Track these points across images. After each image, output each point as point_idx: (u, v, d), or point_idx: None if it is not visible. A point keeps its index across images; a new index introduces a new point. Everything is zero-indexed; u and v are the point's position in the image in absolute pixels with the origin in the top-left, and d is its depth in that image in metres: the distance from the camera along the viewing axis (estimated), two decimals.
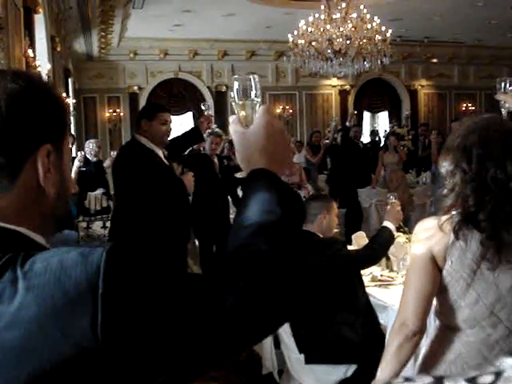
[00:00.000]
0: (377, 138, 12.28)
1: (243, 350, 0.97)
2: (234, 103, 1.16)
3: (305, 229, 3.75)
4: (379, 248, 3.66)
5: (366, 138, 13.07)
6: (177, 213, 4.12)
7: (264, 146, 1.11)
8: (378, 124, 15.90)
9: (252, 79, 1.16)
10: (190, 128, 4.69)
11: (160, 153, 4.15)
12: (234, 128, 1.15)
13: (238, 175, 6.85)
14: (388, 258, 4.33)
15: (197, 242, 7.08)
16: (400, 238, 4.50)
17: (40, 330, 0.81)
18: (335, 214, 3.78)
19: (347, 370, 3.52)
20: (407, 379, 0.60)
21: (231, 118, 1.16)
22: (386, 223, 3.73)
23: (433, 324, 1.99)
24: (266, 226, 1.00)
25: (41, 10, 5.76)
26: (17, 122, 0.96)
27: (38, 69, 5.49)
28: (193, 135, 4.63)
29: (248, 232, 1.00)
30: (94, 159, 7.37)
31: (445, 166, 1.88)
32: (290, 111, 15.02)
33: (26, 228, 0.97)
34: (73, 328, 0.80)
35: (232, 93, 1.17)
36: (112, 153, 8.29)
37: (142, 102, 14.31)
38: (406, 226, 8.80)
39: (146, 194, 3.94)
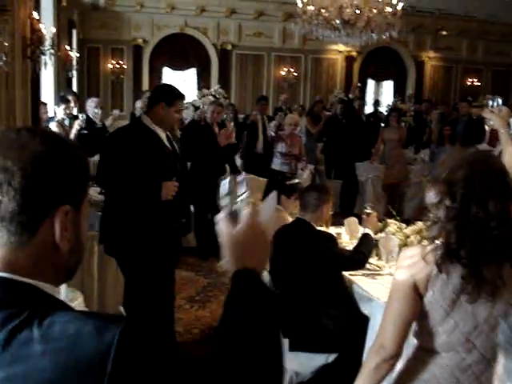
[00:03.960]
0: (380, 109, 12.23)
1: None
2: (221, 201, 1.28)
3: (302, 217, 3.87)
4: (366, 254, 3.90)
5: (368, 108, 13.03)
6: (175, 196, 4.12)
7: (250, 246, 1.25)
8: (381, 93, 15.80)
9: (241, 178, 1.26)
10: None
11: (163, 135, 4.14)
12: (222, 226, 1.27)
13: (223, 265, 6.89)
14: (377, 246, 4.41)
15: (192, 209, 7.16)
16: (391, 227, 4.57)
17: None
18: (331, 204, 3.96)
19: (328, 357, 3.64)
20: None
21: (219, 215, 1.28)
22: (368, 230, 4.04)
23: (411, 343, 2.06)
24: (248, 332, 1.13)
25: None
26: (40, 183, 1.02)
27: (43, 31, 5.46)
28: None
29: (232, 338, 1.12)
30: (99, 124, 7.29)
31: (430, 198, 1.93)
32: (295, 74, 14.89)
33: (40, 280, 1.04)
34: None
35: (221, 191, 1.28)
36: (114, 111, 8.24)
37: (146, 56, 14.18)
38: (401, 203, 8.90)
39: (143, 174, 3.93)
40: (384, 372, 1.97)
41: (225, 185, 6.39)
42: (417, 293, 1.90)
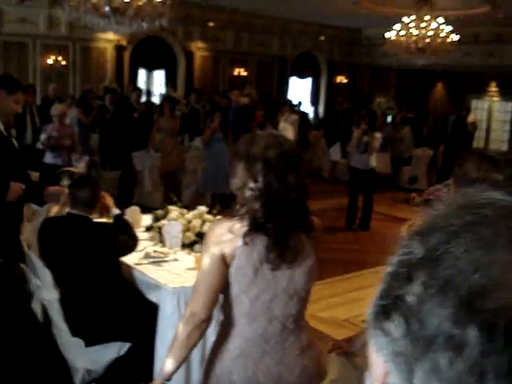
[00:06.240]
0: (152, 98, 12.27)
1: None
2: None
3: (78, 213, 3.71)
4: (135, 235, 3.96)
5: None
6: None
7: None
8: (153, 82, 15.81)
9: None
10: None
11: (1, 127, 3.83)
12: None
13: None
14: (160, 233, 4.45)
15: None
16: (173, 213, 4.64)
17: None
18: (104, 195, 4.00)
19: (120, 349, 3.60)
20: None
21: None
22: (116, 210, 4.06)
23: (218, 319, 2.19)
24: None
25: None
26: None
27: None
28: None
29: None
30: None
31: (234, 183, 2.06)
32: (64, 63, 14.25)
33: None
34: None
35: None
36: None
37: None
38: (178, 190, 9.04)
39: None
40: (197, 338, 2.06)
41: None
42: (225, 263, 2.01)
